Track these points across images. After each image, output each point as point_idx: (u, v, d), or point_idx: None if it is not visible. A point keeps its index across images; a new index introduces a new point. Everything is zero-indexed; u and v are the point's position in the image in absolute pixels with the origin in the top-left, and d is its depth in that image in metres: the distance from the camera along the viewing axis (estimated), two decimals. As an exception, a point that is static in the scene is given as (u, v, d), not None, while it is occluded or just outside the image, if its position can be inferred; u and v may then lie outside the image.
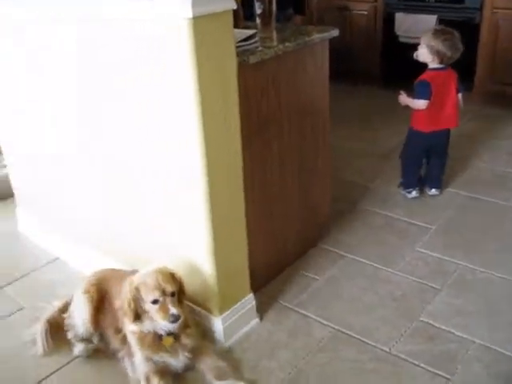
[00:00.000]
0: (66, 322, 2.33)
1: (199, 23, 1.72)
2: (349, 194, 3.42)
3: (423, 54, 3.19)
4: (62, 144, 2.59)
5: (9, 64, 2.69)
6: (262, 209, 2.41)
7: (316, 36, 2.40)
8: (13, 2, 2.46)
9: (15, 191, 3.24)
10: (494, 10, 4.54)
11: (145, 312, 2.02)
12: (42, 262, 2.94)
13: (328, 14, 5.46)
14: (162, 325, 2.01)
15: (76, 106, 2.38)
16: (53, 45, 2.31)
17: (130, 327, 2.07)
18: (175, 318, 1.96)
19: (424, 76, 3.18)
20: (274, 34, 2.48)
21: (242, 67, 2.02)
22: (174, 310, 1.96)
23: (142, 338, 2.06)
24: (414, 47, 3.32)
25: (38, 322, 2.38)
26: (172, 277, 2.03)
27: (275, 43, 2.29)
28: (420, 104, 3.15)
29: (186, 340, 2.09)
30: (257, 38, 2.25)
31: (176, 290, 2.01)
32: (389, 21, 5.09)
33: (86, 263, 2.75)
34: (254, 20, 2.58)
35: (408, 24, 4.92)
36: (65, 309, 2.39)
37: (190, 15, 1.68)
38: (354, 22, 5.30)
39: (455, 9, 4.72)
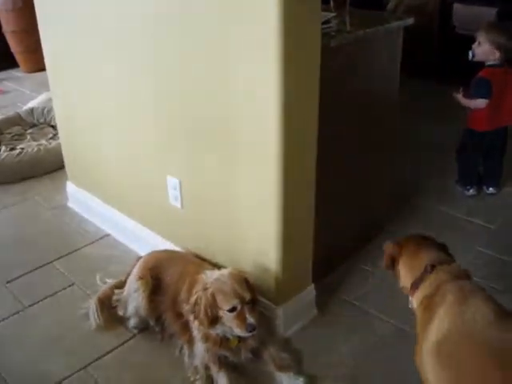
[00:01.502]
0: (115, 298, 2.30)
1: (290, 2, 1.65)
2: (404, 188, 3.32)
3: (485, 52, 3.06)
4: (121, 115, 2.55)
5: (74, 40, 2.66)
6: (326, 200, 2.34)
7: (394, 23, 2.32)
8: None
9: (66, 164, 3.21)
10: (559, 5, 4.39)
11: (218, 318, 1.94)
12: (92, 237, 2.92)
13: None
14: (237, 332, 1.93)
15: (144, 78, 2.33)
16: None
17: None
18: (252, 328, 1.90)
19: (483, 73, 3.07)
20: (348, 19, 2.40)
21: (323, 50, 1.94)
22: (251, 320, 1.90)
23: (207, 335, 2.00)
24: (472, 40, 3.18)
25: (92, 297, 2.36)
26: (247, 283, 1.97)
27: (349, 28, 2.22)
28: (479, 103, 3.05)
29: (251, 342, 2.02)
30: (337, 21, 2.17)
31: (251, 297, 1.95)
32: (446, 10, 4.95)
33: (137, 241, 2.72)
34: (328, 2, 2.50)
35: (466, 16, 4.78)
36: (118, 286, 2.36)
37: (282, -6, 1.62)
38: (409, 11, 5.15)
39: (516, 2, 4.57)
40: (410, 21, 2.42)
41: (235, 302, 1.89)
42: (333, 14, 2.21)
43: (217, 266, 2.23)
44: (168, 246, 2.52)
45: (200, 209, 2.31)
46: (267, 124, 1.83)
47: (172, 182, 2.36)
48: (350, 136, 2.36)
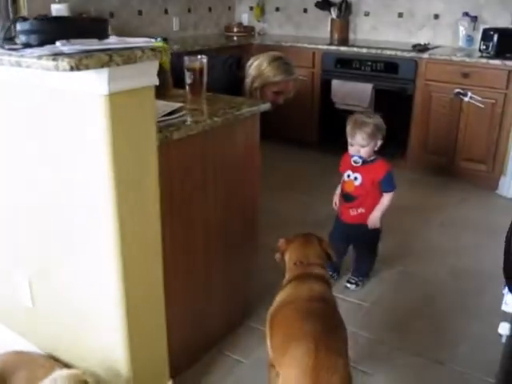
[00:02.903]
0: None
1: (116, 99, 1.62)
2: (278, 266, 3.29)
3: (372, 148, 2.90)
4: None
5: None
6: (184, 289, 2.27)
7: (246, 110, 2.33)
8: None
9: None
10: (427, 82, 4.66)
11: None
12: None
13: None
14: None
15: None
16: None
17: None
18: None
19: (390, 166, 2.96)
20: (204, 106, 2.40)
21: (165, 143, 1.92)
22: None
23: None
24: (349, 113, 3.25)
25: None
26: None
27: (204, 117, 2.20)
28: (392, 196, 2.99)
29: None
30: (183, 112, 2.15)
31: None
32: (326, 87, 5.14)
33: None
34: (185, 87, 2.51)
35: (344, 91, 4.98)
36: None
37: (106, 92, 1.58)
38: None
39: (390, 79, 4.82)
40: (265, 107, 2.45)
41: None
42: (181, 104, 2.19)
43: (68, 366, 2.10)
44: (23, 343, 2.35)
45: (50, 307, 2.18)
46: (101, 214, 1.77)
47: (22, 278, 2.23)
48: (206, 223, 2.31)
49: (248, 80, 3.09)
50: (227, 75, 3.08)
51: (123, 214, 1.76)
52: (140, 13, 5.25)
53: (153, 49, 1.67)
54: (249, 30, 6.05)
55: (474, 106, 4.44)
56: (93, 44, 1.63)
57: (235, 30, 6.00)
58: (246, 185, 2.49)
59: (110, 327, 1.95)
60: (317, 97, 5.24)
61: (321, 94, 5.21)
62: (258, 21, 6.18)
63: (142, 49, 1.64)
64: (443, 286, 3.17)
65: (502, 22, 4.74)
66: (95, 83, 1.59)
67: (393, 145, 4.91)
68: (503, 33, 4.43)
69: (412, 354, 2.58)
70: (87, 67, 1.49)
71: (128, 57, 1.59)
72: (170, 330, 2.14)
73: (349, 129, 2.91)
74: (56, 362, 2.20)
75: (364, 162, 2.91)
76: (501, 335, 2.04)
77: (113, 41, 1.71)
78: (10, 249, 2.26)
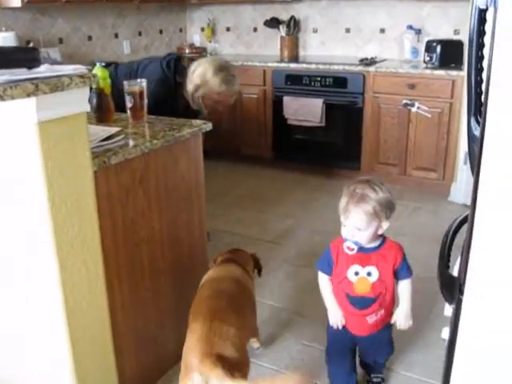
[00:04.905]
0: None
1: (46, 128, 1.63)
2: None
3: (375, 232, 2.11)
4: None
5: None
6: (134, 317, 2.26)
7: (187, 131, 2.35)
8: None
9: None
10: (375, 94, 4.75)
11: None
12: None
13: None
14: None
15: None
16: None
17: None
18: None
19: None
20: (145, 129, 2.41)
21: (103, 168, 1.93)
22: None
23: None
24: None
25: None
26: None
27: (143, 140, 2.20)
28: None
29: None
30: (122, 136, 2.16)
31: None
32: (278, 103, 5.19)
33: None
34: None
35: (295, 107, 5.04)
36: None
37: (36, 121, 1.59)
38: (244, 104, 5.36)
39: (339, 93, 4.90)
40: (207, 127, 2.47)
41: None
42: (119, 129, 2.21)
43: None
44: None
45: None
46: (39, 251, 1.77)
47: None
48: (153, 247, 2.31)
49: (190, 87, 3.13)
50: (161, 74, 3.11)
51: (62, 244, 1.75)
52: (90, 38, 5.25)
53: (81, 76, 1.68)
54: (201, 51, 6.10)
55: (421, 115, 4.54)
56: (21, 74, 1.64)
57: (187, 51, 6.05)
58: (191, 205, 2.50)
59: (55, 365, 1.95)
60: (269, 114, 5.30)
61: (273, 111, 5.27)
62: (210, 41, 6.24)
63: (69, 76, 1.65)
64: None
65: (444, 34, 4.88)
66: (24, 112, 1.60)
67: (346, 157, 5.03)
68: (446, 44, 4.57)
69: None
70: (12, 97, 1.49)
71: (55, 85, 1.60)
72: (121, 356, 2.14)
73: (343, 202, 2.06)
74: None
75: (369, 248, 2.15)
76: (444, 340, 2.07)
77: (42, 69, 1.71)
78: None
